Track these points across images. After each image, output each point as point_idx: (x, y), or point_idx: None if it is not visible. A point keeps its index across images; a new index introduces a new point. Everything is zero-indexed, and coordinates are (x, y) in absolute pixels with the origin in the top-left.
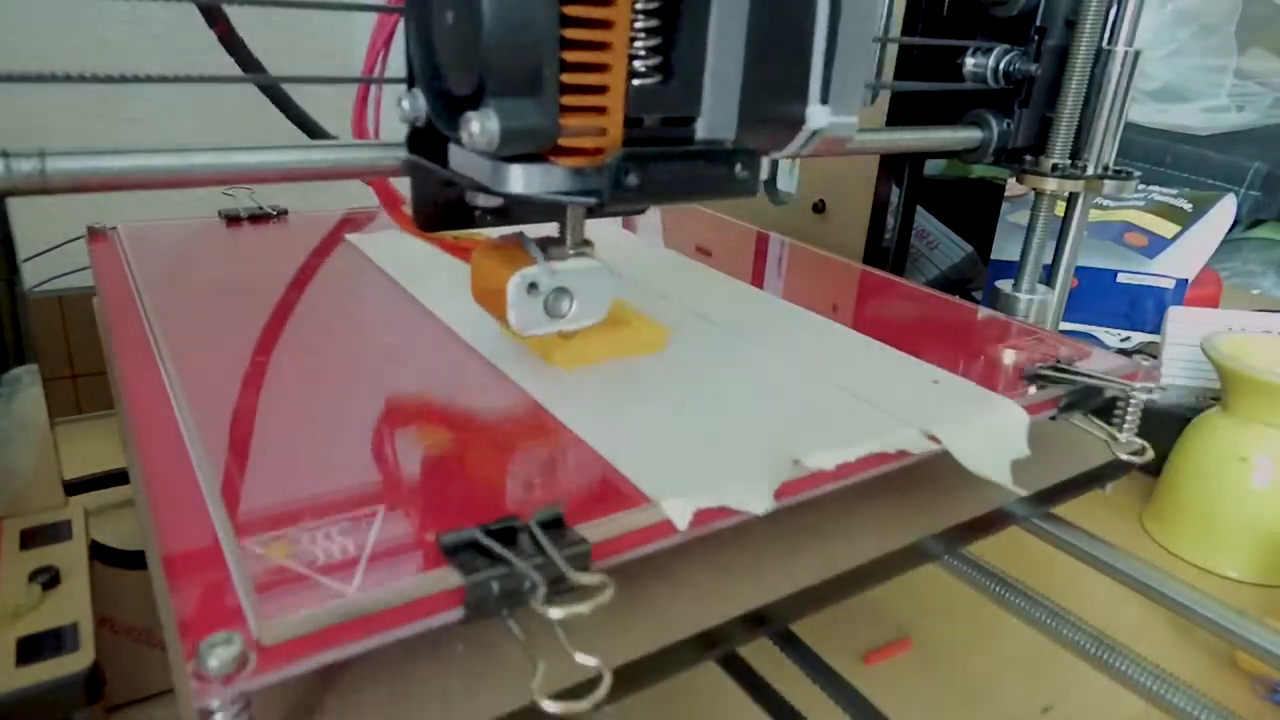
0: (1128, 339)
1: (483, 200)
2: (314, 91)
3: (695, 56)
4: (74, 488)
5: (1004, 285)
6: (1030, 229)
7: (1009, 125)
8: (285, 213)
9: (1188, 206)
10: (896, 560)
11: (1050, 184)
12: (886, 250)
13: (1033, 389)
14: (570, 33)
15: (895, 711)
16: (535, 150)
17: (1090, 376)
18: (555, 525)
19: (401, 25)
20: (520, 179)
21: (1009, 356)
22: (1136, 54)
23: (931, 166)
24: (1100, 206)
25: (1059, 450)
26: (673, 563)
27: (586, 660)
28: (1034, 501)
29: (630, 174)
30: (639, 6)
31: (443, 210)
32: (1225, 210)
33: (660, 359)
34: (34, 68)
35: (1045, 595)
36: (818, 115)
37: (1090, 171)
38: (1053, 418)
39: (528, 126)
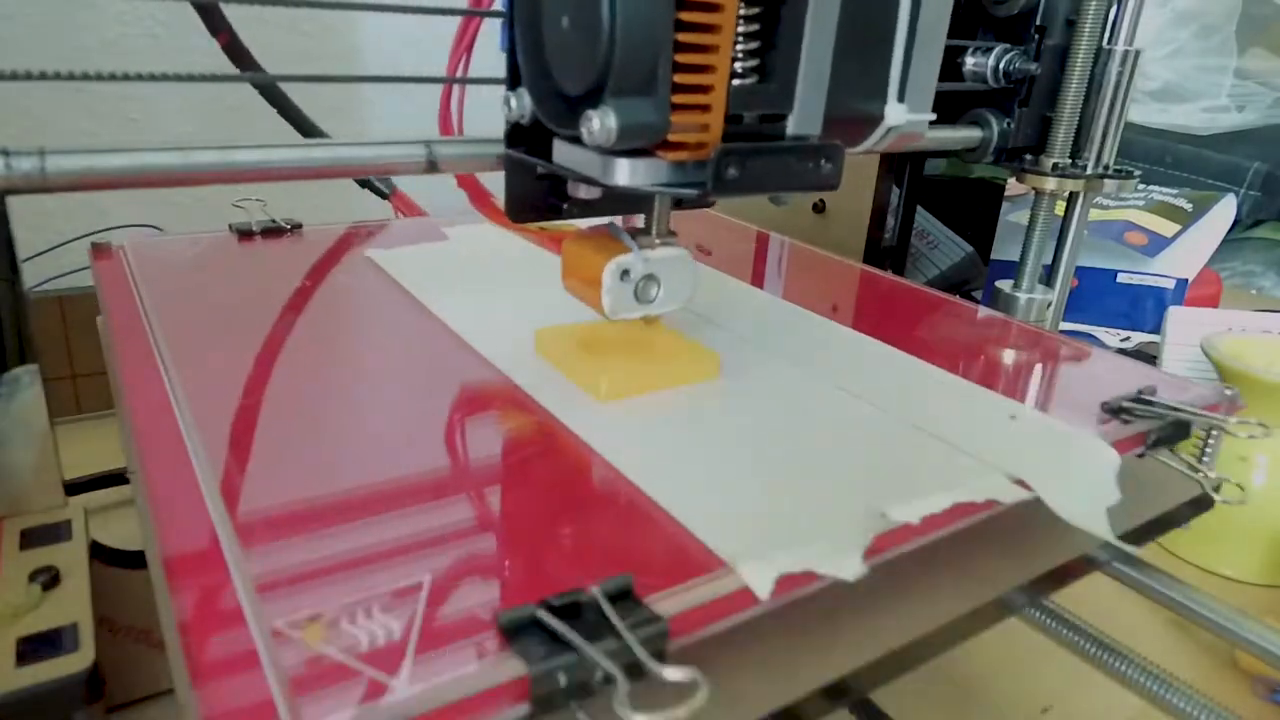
0: (1128, 339)
1: (584, 192)
2: (313, 93)
3: (790, 59)
4: (74, 488)
5: (1004, 285)
6: (1030, 229)
7: (1009, 124)
8: (300, 227)
9: (1188, 206)
10: (980, 616)
11: (1050, 183)
12: (887, 250)
13: (1115, 424)
14: (682, 36)
15: (895, 711)
16: (646, 145)
17: (1178, 409)
18: (624, 597)
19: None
20: (627, 171)
21: (1085, 383)
22: (1136, 54)
23: (931, 166)
24: (1100, 206)
25: (1129, 487)
26: (737, 629)
27: None
28: (1119, 546)
29: (730, 167)
30: (742, 12)
31: (533, 203)
32: (1225, 210)
33: (711, 390)
34: (34, 67)
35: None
36: (895, 113)
37: (1090, 170)
38: (1140, 455)
39: (643, 123)
